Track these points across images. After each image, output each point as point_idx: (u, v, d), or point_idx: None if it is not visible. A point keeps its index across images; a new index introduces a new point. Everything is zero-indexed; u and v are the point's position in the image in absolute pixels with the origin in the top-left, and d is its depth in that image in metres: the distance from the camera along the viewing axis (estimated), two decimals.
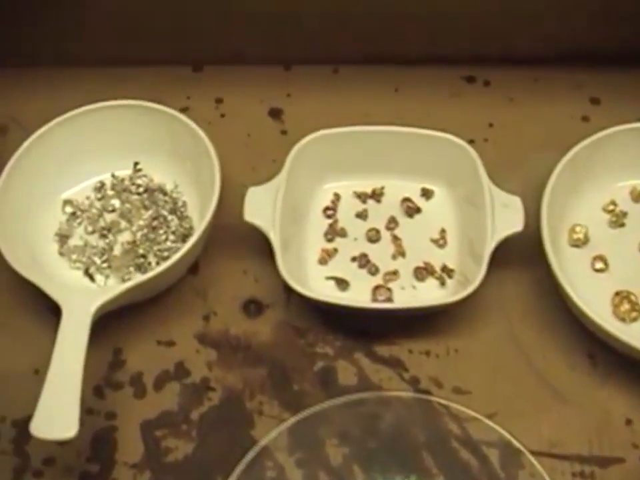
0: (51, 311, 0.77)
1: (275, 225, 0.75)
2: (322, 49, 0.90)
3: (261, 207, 0.76)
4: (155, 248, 0.80)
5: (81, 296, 0.72)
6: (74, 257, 0.80)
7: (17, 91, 0.92)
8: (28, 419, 0.71)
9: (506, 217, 0.75)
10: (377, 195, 0.82)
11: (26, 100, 0.92)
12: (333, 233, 0.80)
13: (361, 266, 0.79)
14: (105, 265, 0.79)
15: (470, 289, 0.72)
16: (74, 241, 0.81)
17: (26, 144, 0.81)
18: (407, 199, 0.81)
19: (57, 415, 0.67)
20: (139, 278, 0.73)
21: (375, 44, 0.89)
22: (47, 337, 0.76)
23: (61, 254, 0.81)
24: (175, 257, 0.73)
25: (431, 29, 0.88)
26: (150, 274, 0.72)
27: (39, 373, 0.74)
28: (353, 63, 0.91)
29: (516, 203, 0.76)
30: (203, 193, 0.80)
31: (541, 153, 0.83)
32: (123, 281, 0.78)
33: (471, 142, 0.81)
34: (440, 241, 0.79)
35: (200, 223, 0.77)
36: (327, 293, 0.77)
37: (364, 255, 0.79)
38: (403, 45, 0.89)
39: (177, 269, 0.74)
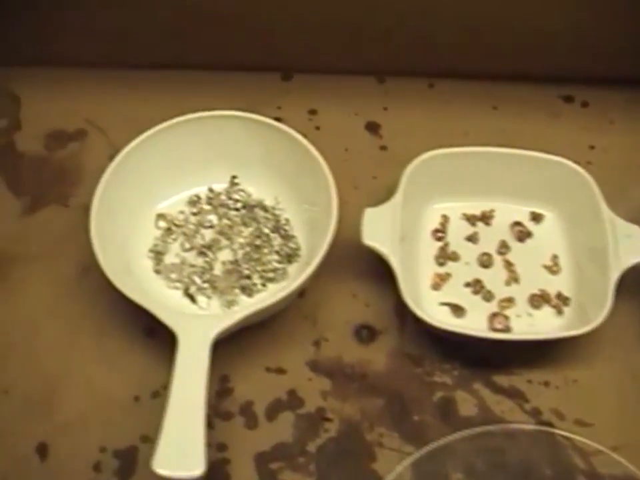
0: (144, 332, 0.73)
1: (395, 249, 0.72)
2: (416, 62, 0.87)
3: (379, 230, 0.73)
4: (259, 268, 0.76)
5: (199, 323, 0.68)
6: (173, 275, 0.75)
7: (94, 93, 0.88)
8: (131, 449, 0.67)
9: (628, 247, 0.73)
10: (486, 218, 0.79)
11: (102, 102, 0.88)
12: (445, 256, 0.77)
13: (476, 292, 0.76)
14: (205, 285, 0.75)
15: (595, 323, 0.69)
16: (170, 258, 0.77)
17: (120, 156, 0.76)
18: (517, 223, 0.79)
19: (181, 451, 0.63)
20: (259, 304, 0.69)
21: (470, 58, 0.86)
22: (144, 360, 0.73)
23: (157, 272, 0.76)
24: (298, 281, 0.69)
25: (528, 45, 0.86)
26: (271, 300, 0.68)
27: (139, 400, 0.71)
28: (449, 77, 0.87)
29: (637, 232, 0.73)
30: (307, 210, 0.76)
31: None
32: (228, 303, 0.74)
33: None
34: (553, 267, 0.77)
35: (309, 245, 0.74)
36: (443, 319, 0.74)
37: (478, 281, 0.76)
38: (499, 60, 0.86)
39: (294, 293, 0.70)
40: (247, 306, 0.72)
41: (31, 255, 0.79)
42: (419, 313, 0.70)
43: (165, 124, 0.78)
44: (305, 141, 0.76)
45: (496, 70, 0.87)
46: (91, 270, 0.76)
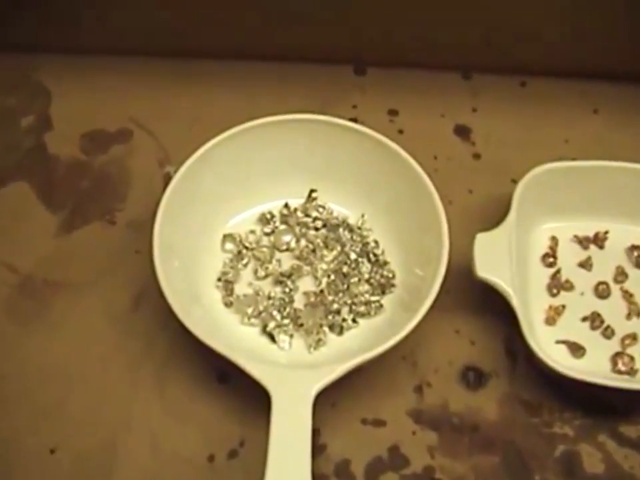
0: (216, 377, 0.63)
1: (515, 282, 0.62)
2: (506, 58, 0.76)
3: (494, 259, 0.63)
4: (349, 301, 0.65)
5: (295, 380, 0.57)
6: (249, 310, 0.64)
7: (140, 86, 0.78)
8: None
9: None
10: (599, 240, 0.70)
11: (150, 97, 0.77)
12: (558, 286, 0.67)
13: (594, 327, 0.66)
14: (286, 321, 0.64)
15: None
16: (241, 288, 0.66)
17: (184, 168, 0.65)
18: (635, 247, 0.69)
19: None
20: (361, 356, 0.58)
21: (568, 55, 0.76)
22: (217, 411, 0.63)
23: (226, 304, 0.65)
24: (413, 322, 0.59)
25: (632, 42, 0.75)
26: (380, 349, 0.58)
27: (214, 461, 0.61)
28: (543, 75, 0.77)
29: None
30: (401, 230, 0.67)
31: None
32: (315, 343, 0.63)
33: None
34: None
35: (405, 272, 0.64)
36: (560, 359, 0.64)
37: (597, 315, 0.66)
38: (600, 57, 0.76)
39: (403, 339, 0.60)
40: (336, 353, 0.62)
41: (72, 283, 0.68)
42: (545, 358, 0.60)
43: (231, 131, 0.66)
44: (400, 150, 0.65)
45: (596, 68, 0.76)
46: (145, 299, 0.67)
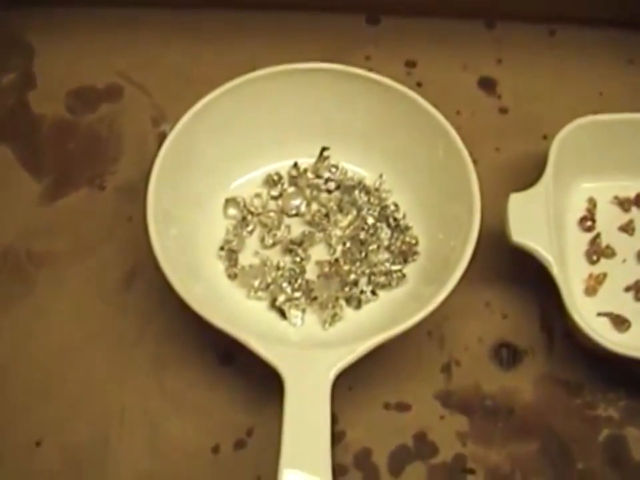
0: (219, 359, 0.56)
1: (554, 248, 0.55)
2: (533, 4, 0.69)
3: (531, 222, 0.56)
4: (367, 270, 0.58)
5: (311, 361, 0.51)
6: (255, 282, 0.57)
7: (129, 38, 0.70)
8: None
9: None
10: None
11: (141, 50, 0.70)
12: (598, 252, 0.61)
13: (639, 298, 0.60)
14: (298, 294, 0.57)
15: None
16: (247, 258, 0.59)
17: (178, 127, 0.58)
18: None
19: None
20: (384, 334, 0.51)
21: (602, 2, 0.69)
22: (221, 396, 0.57)
23: (231, 276, 0.58)
24: (441, 295, 0.52)
25: None
26: (404, 325, 0.51)
27: (220, 452, 0.55)
28: (573, 23, 0.70)
29: None
30: (424, 192, 0.60)
31: None
32: (331, 318, 0.57)
33: None
34: None
35: (429, 238, 0.57)
36: (602, 334, 0.57)
37: None
38: (636, 3, 0.69)
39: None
40: (353, 328, 0.56)
41: (58, 256, 0.61)
42: (592, 334, 0.53)
43: (230, 83, 0.59)
44: (423, 102, 0.59)
45: (631, 15, 0.69)
46: (140, 273, 0.60)
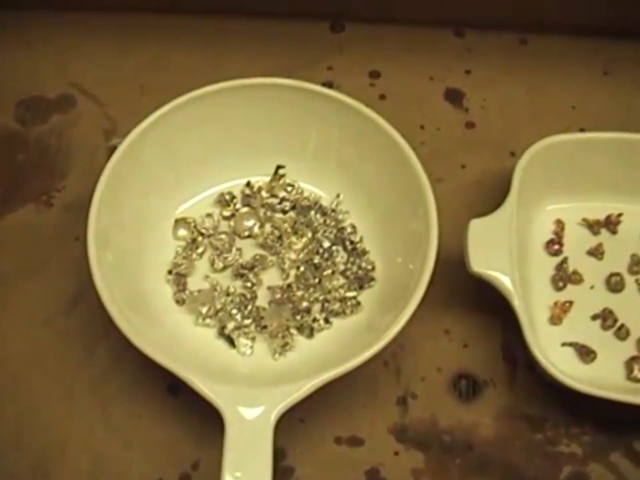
0: (166, 389, 0.55)
1: (515, 277, 0.52)
2: (504, 12, 0.66)
3: (490, 250, 0.54)
4: (319, 297, 0.56)
5: (253, 400, 0.48)
6: (203, 309, 0.55)
7: (82, 46, 0.68)
8: None
9: None
10: (612, 224, 0.60)
11: (95, 59, 0.68)
12: (564, 278, 0.58)
13: (606, 327, 0.57)
14: (248, 321, 0.55)
15: None
16: (196, 282, 0.56)
17: (128, 140, 0.55)
18: None
19: None
20: (332, 371, 0.49)
21: (574, 8, 0.66)
22: (167, 428, 0.54)
23: (178, 301, 0.56)
24: (398, 325, 0.49)
25: None
26: (358, 360, 0.49)
27: None
28: (545, 32, 0.67)
29: None
30: (382, 214, 0.57)
31: None
32: (280, 347, 0.54)
33: None
34: None
35: (386, 263, 0.55)
36: (566, 366, 0.55)
37: (609, 312, 0.57)
38: (611, 11, 0.66)
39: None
40: (305, 359, 0.53)
41: (3, 275, 0.58)
42: (552, 370, 0.51)
43: (185, 97, 0.57)
44: (379, 119, 0.56)
45: (606, 23, 0.66)
46: (85, 295, 0.57)
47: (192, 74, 0.62)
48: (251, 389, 0.49)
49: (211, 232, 0.58)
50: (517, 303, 0.52)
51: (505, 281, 0.52)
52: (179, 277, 0.56)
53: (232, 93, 0.57)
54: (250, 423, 0.47)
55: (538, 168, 0.57)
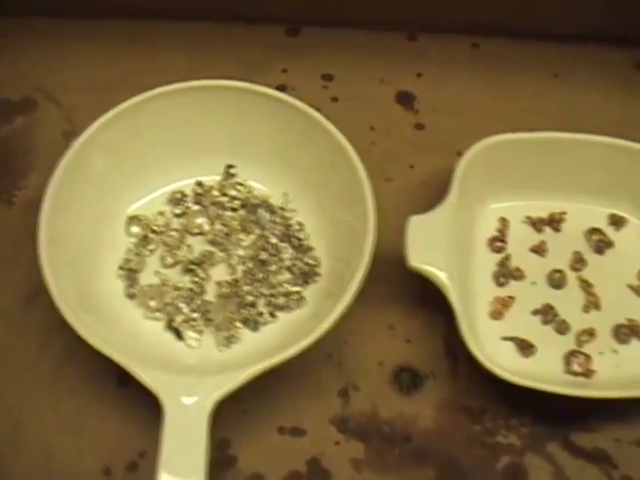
0: (116, 381, 0.56)
1: (453, 273, 0.54)
2: (457, 16, 0.68)
3: (431, 246, 0.55)
4: (265, 291, 0.57)
5: (192, 388, 0.49)
6: (152, 303, 0.57)
7: (44, 50, 0.69)
8: None
9: None
10: (555, 222, 0.62)
11: (56, 63, 0.69)
12: (507, 274, 0.59)
13: (546, 322, 0.59)
14: (195, 314, 0.57)
15: None
16: (147, 278, 0.58)
17: (81, 139, 0.57)
18: (594, 230, 0.61)
19: None
20: (279, 355, 0.50)
21: (525, 13, 0.68)
22: (116, 419, 0.56)
23: (130, 296, 0.57)
24: (332, 316, 0.51)
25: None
26: (292, 351, 0.50)
27: (111, 474, 0.53)
28: (498, 36, 0.69)
29: None
30: (328, 211, 0.59)
31: None
32: (226, 340, 0.56)
33: None
34: None
35: (331, 259, 0.56)
36: (506, 360, 0.57)
37: (549, 307, 0.59)
38: (560, 18, 0.68)
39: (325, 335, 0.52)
40: (251, 351, 0.55)
41: None
42: (485, 361, 0.52)
43: (138, 97, 0.58)
44: (324, 120, 0.58)
45: (556, 28, 0.68)
46: (42, 294, 0.58)
47: (151, 77, 0.63)
48: (189, 377, 0.50)
49: (163, 229, 0.60)
50: (452, 296, 0.54)
51: (441, 275, 0.54)
52: (130, 273, 0.58)
53: (182, 94, 0.59)
54: (187, 410, 0.49)
55: (480, 167, 0.59)
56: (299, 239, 0.59)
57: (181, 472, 0.48)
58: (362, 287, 0.53)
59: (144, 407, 0.55)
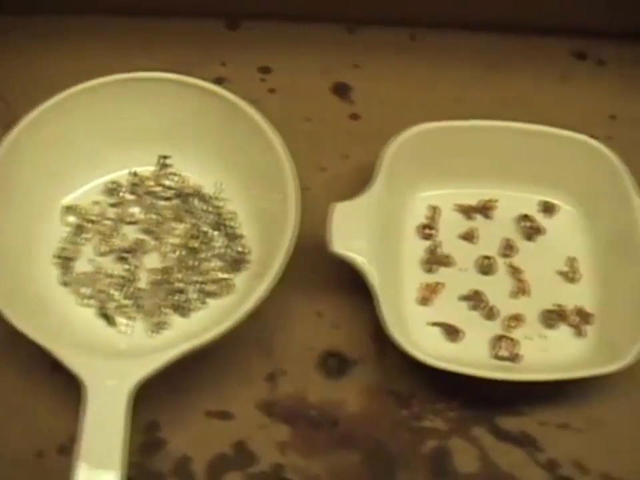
0: (50, 366, 0.56)
1: (374, 258, 0.55)
2: (395, 8, 0.69)
3: (354, 232, 0.56)
4: (196, 278, 0.58)
5: (112, 370, 0.50)
6: (84, 290, 0.58)
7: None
8: None
9: None
10: (486, 210, 0.63)
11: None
12: (435, 261, 0.60)
13: (474, 307, 0.60)
14: (127, 301, 0.57)
15: (630, 357, 0.54)
16: (81, 266, 0.59)
17: (13, 133, 0.58)
18: (525, 217, 0.62)
19: None
20: (196, 339, 0.51)
21: (461, 5, 0.69)
22: (49, 403, 0.57)
23: (64, 283, 0.58)
24: (251, 301, 0.52)
25: None
26: (211, 334, 0.51)
27: (43, 456, 0.55)
28: (435, 28, 0.70)
29: None
30: (258, 199, 0.60)
31: None
32: (156, 326, 0.57)
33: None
34: (570, 274, 0.61)
35: (261, 247, 0.57)
36: (432, 345, 0.57)
37: (477, 293, 0.60)
38: (497, 8, 0.68)
39: (246, 318, 0.53)
40: (181, 336, 0.55)
41: None
42: (405, 346, 0.53)
43: (73, 89, 0.60)
44: (251, 110, 0.59)
45: (492, 19, 0.69)
46: None
47: (94, 70, 0.64)
48: (111, 361, 0.51)
49: (98, 219, 0.61)
50: (373, 281, 0.54)
51: (360, 261, 0.55)
52: (65, 261, 0.59)
53: (117, 86, 0.60)
54: (108, 392, 0.50)
55: (408, 155, 0.60)
56: (230, 227, 0.60)
57: (100, 454, 0.48)
58: (284, 269, 0.54)
59: (76, 392, 0.56)
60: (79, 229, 0.60)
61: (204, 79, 0.62)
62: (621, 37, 0.70)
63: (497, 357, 0.58)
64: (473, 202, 0.63)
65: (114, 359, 0.52)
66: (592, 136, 0.63)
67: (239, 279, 0.59)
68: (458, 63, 0.69)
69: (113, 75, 0.60)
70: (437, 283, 0.60)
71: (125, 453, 0.49)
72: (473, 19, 0.69)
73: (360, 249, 0.55)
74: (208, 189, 0.62)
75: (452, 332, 0.58)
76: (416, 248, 0.61)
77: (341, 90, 0.68)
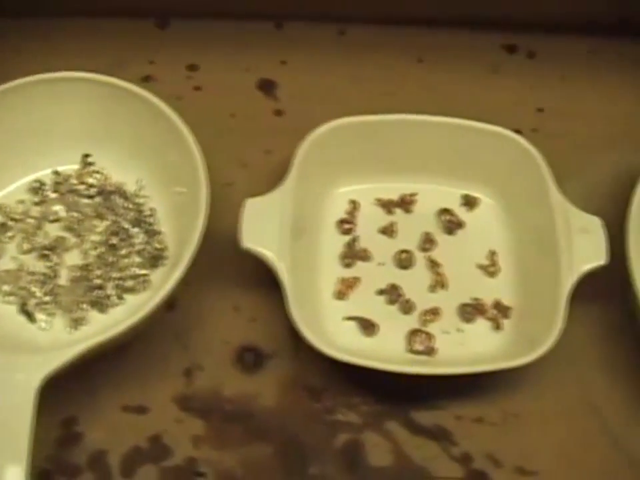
0: None
1: (284, 254, 0.55)
2: (324, 4, 0.69)
3: (264, 228, 0.57)
4: (115, 275, 0.59)
5: (21, 364, 0.51)
6: (5, 287, 0.59)
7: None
8: None
9: (585, 246, 0.57)
10: (406, 204, 0.63)
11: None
12: (352, 255, 0.61)
13: (391, 301, 0.60)
14: (48, 298, 0.59)
15: (544, 348, 0.55)
16: (4, 264, 0.60)
17: None
18: (445, 210, 0.63)
19: None
20: (100, 336, 0.52)
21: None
22: None
23: None
24: (160, 295, 0.53)
25: None
26: (117, 329, 0.52)
27: None
28: (364, 23, 0.70)
29: (596, 226, 0.58)
30: (175, 196, 0.61)
31: (608, 151, 0.66)
32: (74, 322, 0.58)
33: (516, 132, 0.63)
34: (490, 268, 0.61)
35: (177, 243, 0.58)
36: (347, 339, 0.58)
37: (394, 287, 0.60)
38: (427, 2, 0.69)
39: (154, 315, 0.54)
40: (99, 332, 0.56)
41: None
42: (313, 340, 0.54)
43: None
44: (166, 108, 0.60)
45: (421, 14, 0.69)
46: None
47: (24, 71, 0.65)
48: (21, 355, 0.52)
49: (22, 217, 0.62)
50: (282, 276, 0.55)
51: (269, 256, 0.55)
52: None
53: (42, 86, 0.61)
54: (15, 387, 0.50)
55: (325, 150, 0.60)
56: (149, 224, 0.61)
57: (4, 449, 0.49)
58: (201, 263, 0.55)
59: None
60: (3, 228, 0.61)
61: (132, 77, 0.63)
62: (552, 29, 0.70)
63: (412, 351, 0.58)
64: (394, 196, 0.63)
65: (23, 353, 0.53)
66: (518, 129, 0.64)
67: (156, 275, 0.60)
68: (386, 58, 0.70)
69: (29, 77, 0.60)
70: (354, 278, 0.60)
71: (31, 448, 0.50)
72: (403, 14, 0.69)
73: (270, 245, 0.56)
74: (130, 187, 0.62)
75: (367, 326, 0.59)
76: (335, 243, 0.62)
77: (266, 86, 0.68)
